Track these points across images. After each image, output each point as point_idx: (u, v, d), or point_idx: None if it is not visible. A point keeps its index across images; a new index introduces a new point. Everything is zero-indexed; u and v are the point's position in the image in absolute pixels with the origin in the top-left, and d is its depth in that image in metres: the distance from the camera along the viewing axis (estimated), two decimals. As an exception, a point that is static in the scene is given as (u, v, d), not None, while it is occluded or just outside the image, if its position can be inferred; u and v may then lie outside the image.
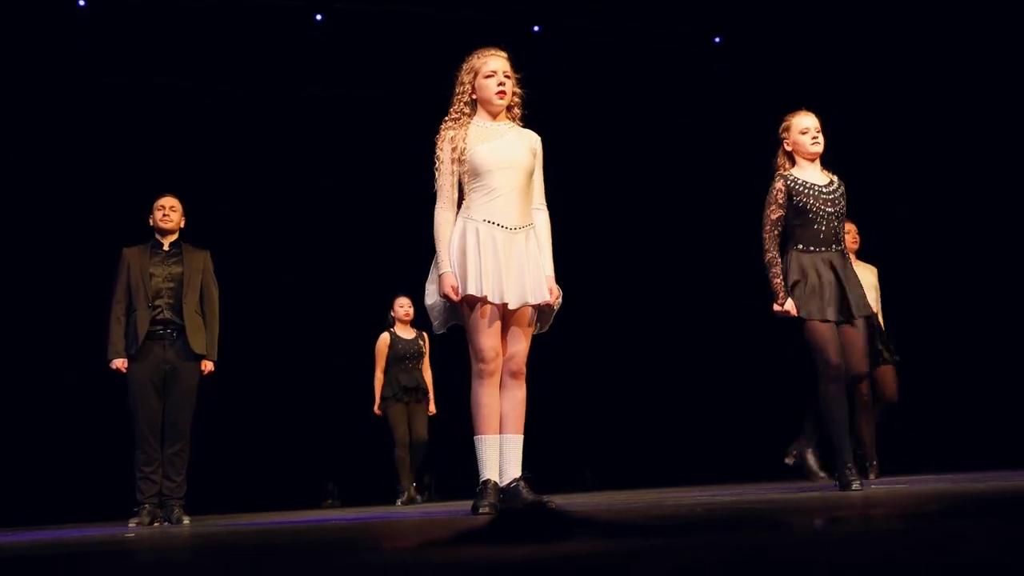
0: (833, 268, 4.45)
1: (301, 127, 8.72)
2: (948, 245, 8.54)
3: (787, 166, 4.61)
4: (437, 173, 3.85)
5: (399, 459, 7.12)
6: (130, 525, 5.08)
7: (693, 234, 9.22)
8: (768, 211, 4.51)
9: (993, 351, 8.25)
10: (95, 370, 5.40)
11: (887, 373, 6.36)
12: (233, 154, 8.51)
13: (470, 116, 3.88)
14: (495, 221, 3.74)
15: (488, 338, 3.74)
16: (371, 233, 8.59)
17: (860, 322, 4.50)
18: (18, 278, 7.83)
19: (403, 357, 7.30)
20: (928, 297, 8.18)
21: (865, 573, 1.27)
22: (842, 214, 4.55)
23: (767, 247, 4.49)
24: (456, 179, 3.83)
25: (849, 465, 4.34)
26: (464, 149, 3.77)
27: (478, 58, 3.89)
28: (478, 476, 3.80)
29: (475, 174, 3.77)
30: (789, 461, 4.55)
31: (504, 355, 3.81)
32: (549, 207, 4.00)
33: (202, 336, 5.35)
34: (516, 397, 3.84)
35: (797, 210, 4.47)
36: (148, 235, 5.53)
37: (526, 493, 3.69)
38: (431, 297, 3.90)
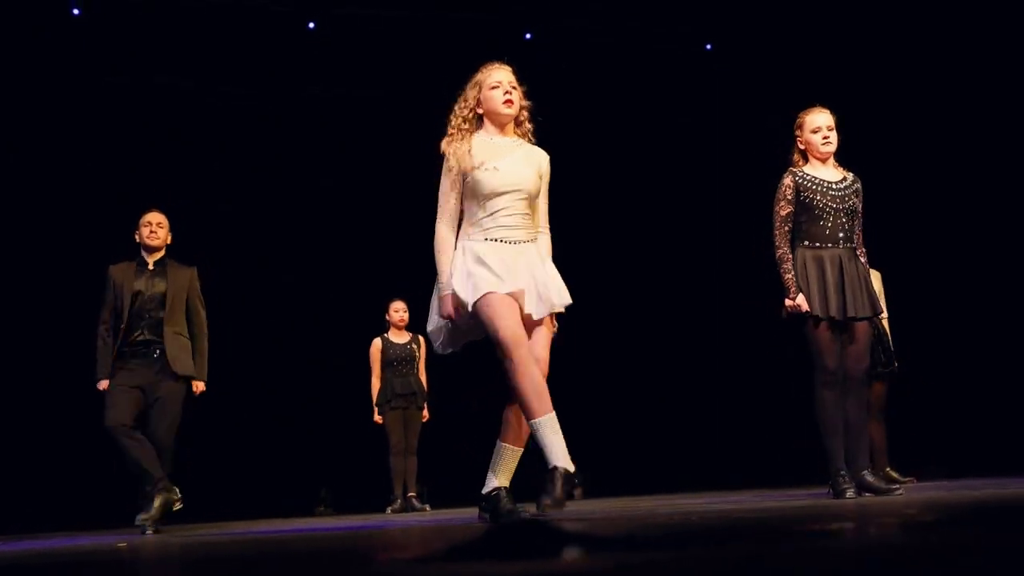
0: (840, 265, 4.43)
1: (301, 127, 8.72)
2: (948, 245, 8.54)
3: (801, 163, 4.60)
4: (440, 189, 3.70)
5: (393, 467, 7.10)
6: (139, 519, 5.01)
7: (692, 234, 9.22)
8: (777, 207, 4.50)
9: (993, 353, 8.25)
10: (88, 379, 5.34)
11: (876, 387, 6.12)
12: (234, 154, 8.51)
13: (471, 131, 3.74)
14: (498, 239, 3.60)
15: (510, 322, 3.44)
16: (371, 233, 8.60)
17: (862, 322, 4.45)
18: (18, 280, 7.83)
19: (395, 362, 7.25)
20: (928, 298, 8.16)
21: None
22: (853, 211, 4.52)
23: (778, 243, 4.48)
24: (459, 195, 3.68)
25: (842, 472, 4.32)
26: (470, 167, 3.62)
27: (482, 72, 3.79)
28: (482, 483, 3.63)
29: (479, 195, 3.62)
30: (851, 494, 4.30)
31: None
32: (549, 207, 3.84)
33: (186, 357, 5.28)
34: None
35: (804, 206, 4.47)
36: (137, 249, 5.43)
37: (559, 487, 3.29)
38: (432, 324, 3.74)
